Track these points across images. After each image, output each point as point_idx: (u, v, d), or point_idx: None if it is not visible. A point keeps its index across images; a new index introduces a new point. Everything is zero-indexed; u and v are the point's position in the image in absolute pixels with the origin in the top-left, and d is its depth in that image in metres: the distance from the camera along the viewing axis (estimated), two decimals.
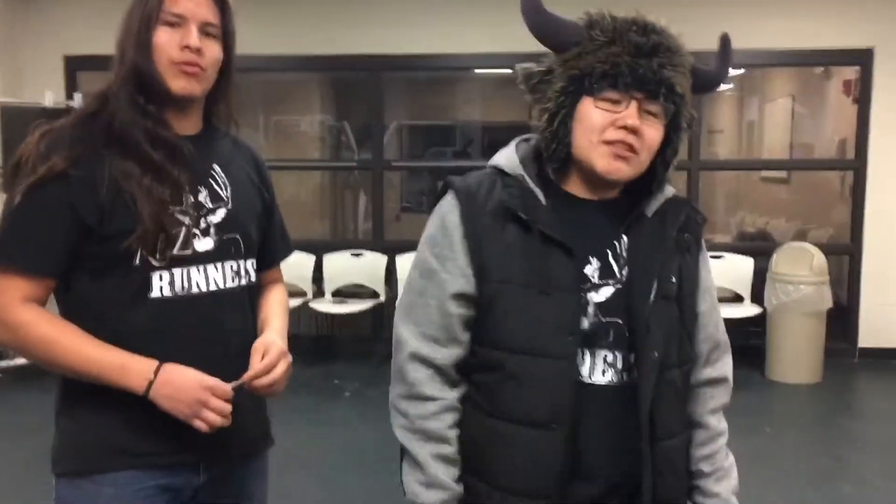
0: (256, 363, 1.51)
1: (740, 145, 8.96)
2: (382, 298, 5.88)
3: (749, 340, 5.84)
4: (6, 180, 1.43)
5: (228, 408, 1.44)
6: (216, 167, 1.57)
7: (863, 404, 5.50)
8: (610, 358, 1.32)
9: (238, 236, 1.56)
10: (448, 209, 1.38)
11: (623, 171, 1.31)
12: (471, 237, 1.34)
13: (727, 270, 5.82)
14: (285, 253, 1.78)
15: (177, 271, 1.47)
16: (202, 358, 1.48)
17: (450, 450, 1.36)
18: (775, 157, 7.73)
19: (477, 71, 7.22)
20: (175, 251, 1.45)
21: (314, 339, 6.14)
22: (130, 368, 1.41)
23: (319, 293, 6.01)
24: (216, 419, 1.42)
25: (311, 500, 3.70)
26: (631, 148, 1.29)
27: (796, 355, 5.45)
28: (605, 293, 1.33)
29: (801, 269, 5.39)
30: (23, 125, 4.42)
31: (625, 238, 1.36)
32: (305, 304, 5.83)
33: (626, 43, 1.27)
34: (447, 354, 1.36)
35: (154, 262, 1.44)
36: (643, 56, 1.26)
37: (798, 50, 5.84)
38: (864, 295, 5.93)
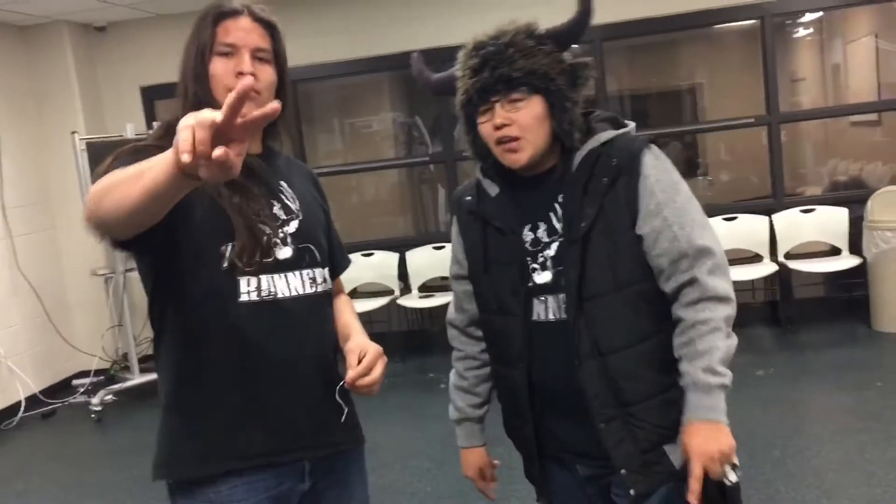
0: (355, 363, 1.57)
1: (825, 91, 8.60)
2: None
3: (851, 293, 5.63)
4: None
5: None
6: (282, 183, 1.66)
7: None
8: (564, 298, 1.62)
9: (311, 246, 1.64)
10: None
11: (521, 158, 1.61)
12: (461, 232, 1.80)
13: (820, 223, 5.61)
14: (345, 265, 1.86)
15: (263, 277, 1.54)
16: (286, 358, 1.56)
17: (465, 384, 1.88)
18: (862, 101, 7.38)
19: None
20: (260, 258, 1.53)
21: (406, 334, 6.22)
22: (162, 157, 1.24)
23: (406, 289, 6.09)
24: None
25: (417, 493, 3.77)
26: (511, 139, 1.59)
27: None
28: (553, 248, 1.64)
29: None
30: None
31: (560, 198, 1.64)
32: (393, 302, 5.92)
33: (469, 71, 1.61)
34: (461, 319, 1.86)
35: (240, 265, 1.51)
36: (478, 73, 1.59)
37: None
38: None
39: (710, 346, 1.56)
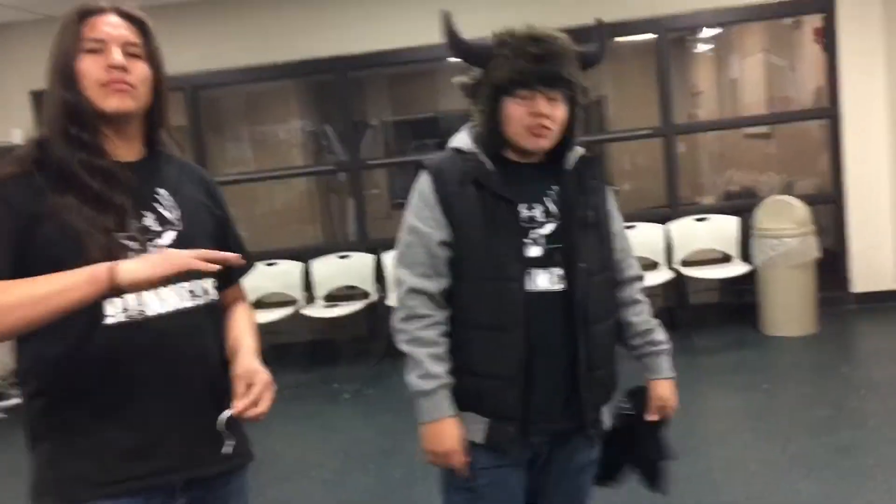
0: (242, 392, 1.51)
1: (722, 104, 8.93)
2: (374, 298, 5.90)
3: (742, 298, 5.84)
4: None
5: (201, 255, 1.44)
6: (160, 191, 1.59)
7: (861, 349, 5.51)
8: (559, 272, 1.83)
9: None
10: (424, 182, 1.87)
11: (544, 144, 1.84)
12: (443, 200, 1.84)
13: (713, 231, 5.81)
14: (244, 270, 1.79)
15: (129, 296, 1.47)
16: (163, 380, 1.51)
17: (440, 350, 1.85)
18: (755, 113, 7.70)
19: (450, 60, 7.20)
20: None
21: (310, 344, 6.17)
22: (88, 271, 1.37)
23: (311, 299, 6.04)
24: (190, 260, 1.41)
25: None
26: (545, 127, 1.80)
27: (789, 308, 5.46)
28: (548, 228, 1.84)
29: (784, 222, 5.39)
30: None
31: (555, 187, 1.87)
32: (297, 312, 5.86)
33: (527, 56, 1.75)
34: (435, 285, 1.85)
35: None
36: (540, 62, 1.75)
37: (765, 3, 5.82)
38: (853, 241, 5.93)
39: (653, 322, 2.05)
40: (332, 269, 6.04)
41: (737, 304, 5.98)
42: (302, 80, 7.65)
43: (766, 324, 5.56)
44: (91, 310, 1.43)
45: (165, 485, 1.54)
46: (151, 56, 1.57)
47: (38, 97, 6.09)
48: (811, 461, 3.59)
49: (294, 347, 6.21)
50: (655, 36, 5.97)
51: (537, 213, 1.84)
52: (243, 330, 1.70)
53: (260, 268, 6.03)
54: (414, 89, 9.13)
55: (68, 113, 1.48)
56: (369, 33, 5.85)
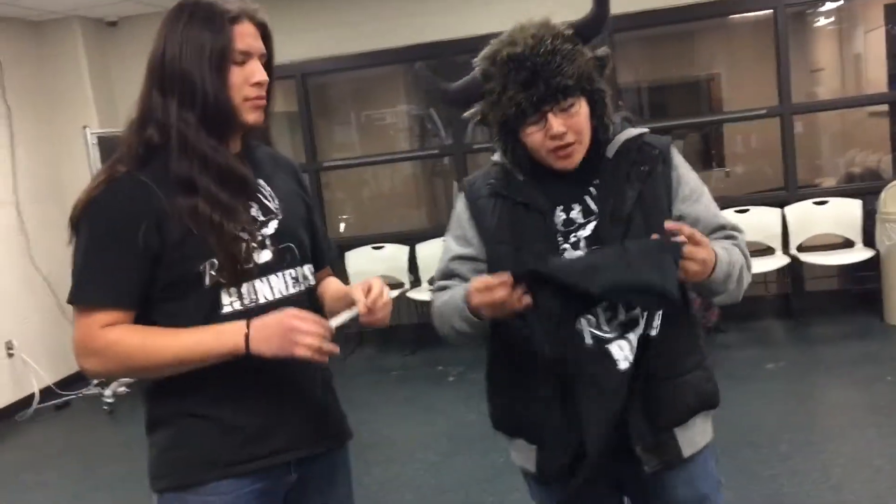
0: (361, 297, 1.56)
1: (843, 81, 8.48)
2: None
3: (864, 285, 5.56)
4: (75, 218, 1.51)
5: (320, 329, 1.47)
6: (261, 181, 1.64)
7: None
8: None
9: (292, 244, 1.64)
10: (460, 199, 1.80)
11: (573, 161, 1.64)
12: (474, 216, 1.74)
13: (833, 215, 5.54)
14: (330, 256, 1.84)
15: (244, 286, 1.54)
16: (278, 363, 1.53)
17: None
18: (879, 91, 7.27)
19: None
20: (239, 267, 1.53)
21: (415, 327, 6.23)
22: (225, 330, 1.48)
23: (416, 282, 6.09)
24: (313, 341, 1.45)
25: (421, 487, 3.77)
26: (569, 144, 1.60)
27: None
28: (589, 228, 1.66)
29: None
30: None
31: (595, 182, 1.68)
32: (403, 295, 5.92)
33: (515, 84, 1.56)
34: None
35: (222, 281, 1.52)
36: (530, 86, 1.55)
37: None
38: None
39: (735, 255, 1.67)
40: (437, 253, 6.03)
41: (858, 291, 5.69)
42: (408, 65, 7.70)
43: (890, 313, 5.27)
44: (210, 300, 1.52)
45: (282, 463, 1.61)
46: (270, 62, 1.62)
47: None
48: None
49: (400, 330, 6.29)
50: (772, 10, 5.71)
51: (575, 213, 1.67)
52: (338, 283, 1.80)
53: (367, 251, 6.13)
54: None
55: (213, 117, 1.51)
56: (475, 17, 5.81)
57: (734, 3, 5.79)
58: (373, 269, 6.01)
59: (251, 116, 1.55)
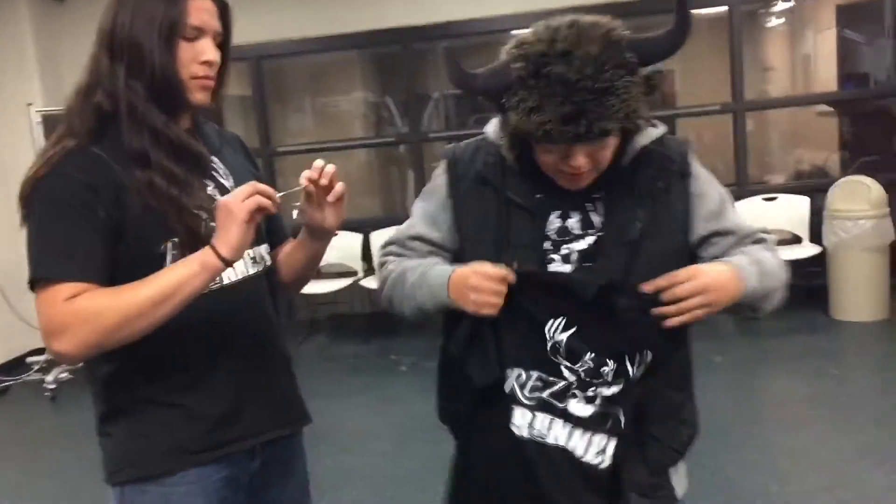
0: (307, 172, 1.54)
1: (794, 80, 8.65)
2: None
3: (811, 281, 5.67)
4: (27, 195, 1.42)
5: (252, 205, 1.38)
6: (214, 159, 1.58)
7: None
8: None
9: None
10: (439, 173, 1.61)
11: (582, 185, 1.45)
12: (454, 198, 1.56)
13: (782, 211, 5.65)
14: (286, 232, 1.78)
15: None
16: (242, 346, 1.54)
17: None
18: (828, 90, 7.43)
19: (514, 32, 7.10)
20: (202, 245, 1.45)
21: (368, 316, 6.19)
22: (189, 257, 1.38)
23: (370, 271, 6.05)
24: (250, 206, 1.37)
25: (375, 476, 3.75)
26: (582, 174, 1.41)
27: (860, 293, 5.29)
28: (586, 241, 1.47)
29: (859, 203, 5.20)
30: None
31: (602, 192, 1.48)
32: (357, 283, 5.87)
33: (553, 114, 1.31)
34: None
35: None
36: (570, 122, 1.31)
37: None
38: None
39: (764, 258, 1.48)
40: None
41: (805, 286, 5.80)
42: (365, 51, 7.63)
43: (835, 308, 5.39)
44: None
45: (248, 449, 1.57)
46: (227, 44, 1.54)
47: None
48: (882, 451, 3.46)
49: (352, 318, 6.24)
50: (727, 8, 5.78)
51: (573, 222, 1.47)
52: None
53: None
54: (475, 62, 9.01)
55: (161, 90, 1.44)
56: (432, 4, 5.78)
57: None
58: (326, 256, 5.96)
59: (197, 96, 1.48)
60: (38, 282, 1.38)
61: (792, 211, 5.62)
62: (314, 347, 5.98)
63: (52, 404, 5.20)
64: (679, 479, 1.57)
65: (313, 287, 5.81)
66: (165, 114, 1.45)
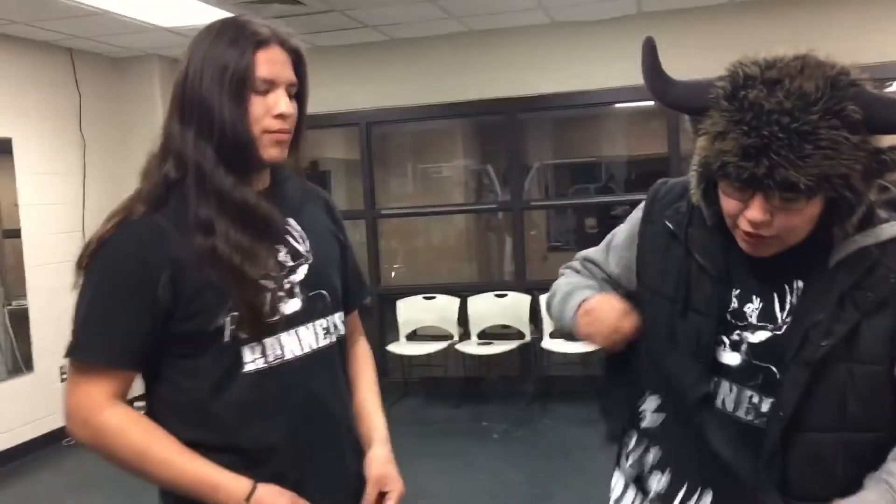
0: (372, 498, 1.46)
1: None
2: (528, 338, 5.87)
3: None
4: (81, 266, 1.37)
5: None
6: (291, 221, 1.48)
7: None
8: (755, 399, 1.27)
9: (324, 291, 1.48)
10: (641, 205, 1.48)
11: (764, 253, 1.24)
12: (641, 238, 1.44)
13: None
14: (361, 297, 1.68)
15: (268, 341, 1.38)
16: (301, 424, 1.43)
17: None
18: None
19: (617, 105, 7.15)
20: (263, 320, 1.37)
21: (462, 380, 6.19)
22: (224, 487, 1.32)
23: (466, 335, 6.07)
24: None
25: None
26: (760, 236, 1.20)
27: None
28: (760, 336, 1.28)
29: None
30: None
31: (800, 284, 1.26)
32: (452, 346, 5.90)
33: (735, 143, 1.14)
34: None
35: (243, 336, 1.35)
36: (751, 159, 1.12)
37: None
38: None
39: None
40: (488, 307, 6.05)
41: None
42: (468, 120, 7.80)
43: None
44: (231, 356, 1.36)
45: None
46: (302, 94, 1.45)
47: None
48: None
49: (446, 382, 6.25)
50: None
51: (752, 308, 1.29)
52: (369, 390, 1.63)
53: (418, 300, 6.15)
54: (577, 133, 9.12)
55: (230, 149, 1.35)
56: (537, 76, 5.89)
57: None
58: (423, 317, 6.04)
59: (271, 152, 1.38)
60: (74, 358, 1.36)
61: None
62: (406, 409, 5.99)
63: None
64: None
65: (409, 349, 5.88)
66: (235, 175, 1.36)
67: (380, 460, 1.52)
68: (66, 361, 1.38)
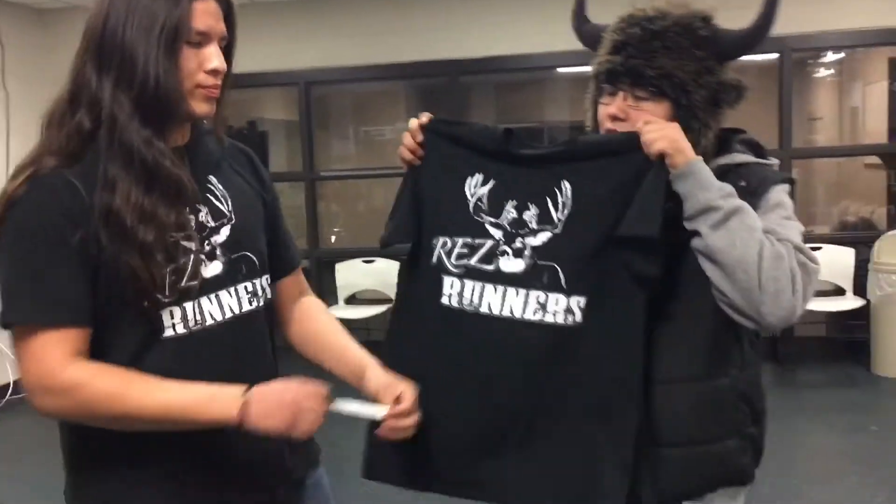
0: (387, 405, 1.39)
1: (841, 132, 8.55)
2: None
3: (853, 335, 5.56)
4: None
5: (324, 408, 1.31)
6: (212, 178, 1.41)
7: None
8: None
9: (248, 253, 1.42)
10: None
11: None
12: None
13: (826, 262, 5.53)
14: (296, 261, 1.62)
15: (188, 305, 1.32)
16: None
17: None
18: (877, 143, 7.33)
19: (560, 70, 7.13)
20: (183, 283, 1.30)
21: None
22: (218, 396, 1.26)
23: None
24: (316, 423, 1.30)
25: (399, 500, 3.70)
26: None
27: None
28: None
29: None
30: None
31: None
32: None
33: (609, 46, 1.45)
34: None
35: (163, 300, 1.28)
36: (615, 53, 1.43)
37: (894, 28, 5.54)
38: None
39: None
40: None
41: (846, 340, 5.69)
42: (410, 82, 7.70)
43: (877, 363, 5.26)
44: (150, 325, 1.29)
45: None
46: (230, 48, 1.38)
47: None
48: None
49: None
50: (777, 55, 5.74)
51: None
52: (339, 332, 1.58)
53: (357, 264, 6.09)
54: (520, 98, 9.09)
55: (152, 102, 1.27)
56: (481, 38, 5.83)
57: None
58: (362, 282, 5.99)
59: (201, 107, 1.32)
60: (17, 323, 1.24)
61: (836, 262, 5.52)
62: None
63: None
64: None
65: (347, 313, 5.83)
66: (153, 128, 1.28)
67: (379, 376, 1.45)
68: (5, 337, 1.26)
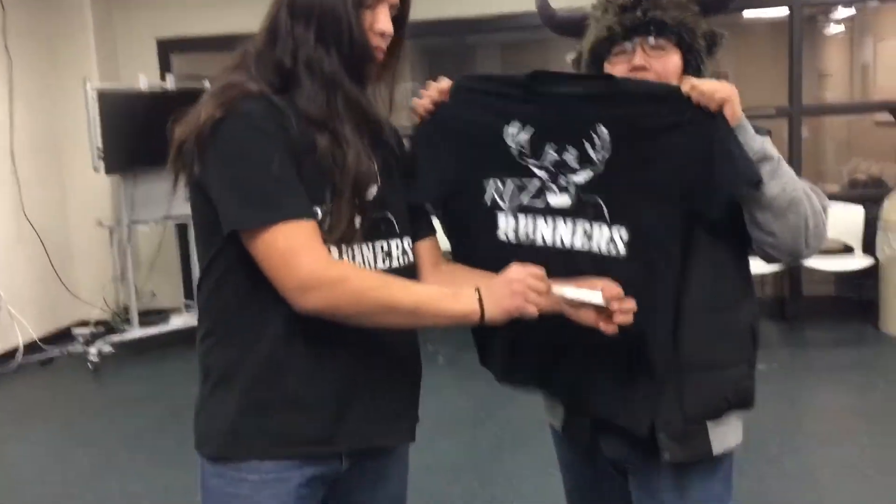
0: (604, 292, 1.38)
1: (851, 89, 8.45)
2: None
3: (861, 293, 5.54)
4: (204, 138, 1.31)
5: (545, 287, 1.36)
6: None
7: None
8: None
9: (388, 213, 1.47)
10: None
11: None
12: None
13: (835, 220, 5.47)
14: (427, 230, 1.62)
15: (344, 248, 1.38)
16: (368, 345, 1.42)
17: None
18: (888, 99, 7.24)
19: None
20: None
21: None
22: (460, 294, 1.34)
23: None
24: (540, 299, 1.35)
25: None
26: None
27: None
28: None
29: None
30: (120, 109, 4.60)
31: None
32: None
33: (615, 7, 1.54)
34: None
35: (325, 235, 1.35)
36: (628, 10, 1.52)
37: None
38: None
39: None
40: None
41: (855, 298, 5.67)
42: (415, 42, 7.60)
43: (885, 321, 5.25)
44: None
45: (336, 453, 1.45)
46: (402, 18, 1.48)
47: (163, 45, 6.23)
48: None
49: None
50: (787, 11, 5.65)
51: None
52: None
53: None
54: (527, 57, 8.99)
55: (355, 59, 1.38)
56: None
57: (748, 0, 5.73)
58: None
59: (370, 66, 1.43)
60: (279, 220, 1.28)
61: (845, 220, 5.48)
62: None
63: (93, 376, 5.28)
64: (721, 433, 1.56)
65: None
66: (358, 83, 1.40)
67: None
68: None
